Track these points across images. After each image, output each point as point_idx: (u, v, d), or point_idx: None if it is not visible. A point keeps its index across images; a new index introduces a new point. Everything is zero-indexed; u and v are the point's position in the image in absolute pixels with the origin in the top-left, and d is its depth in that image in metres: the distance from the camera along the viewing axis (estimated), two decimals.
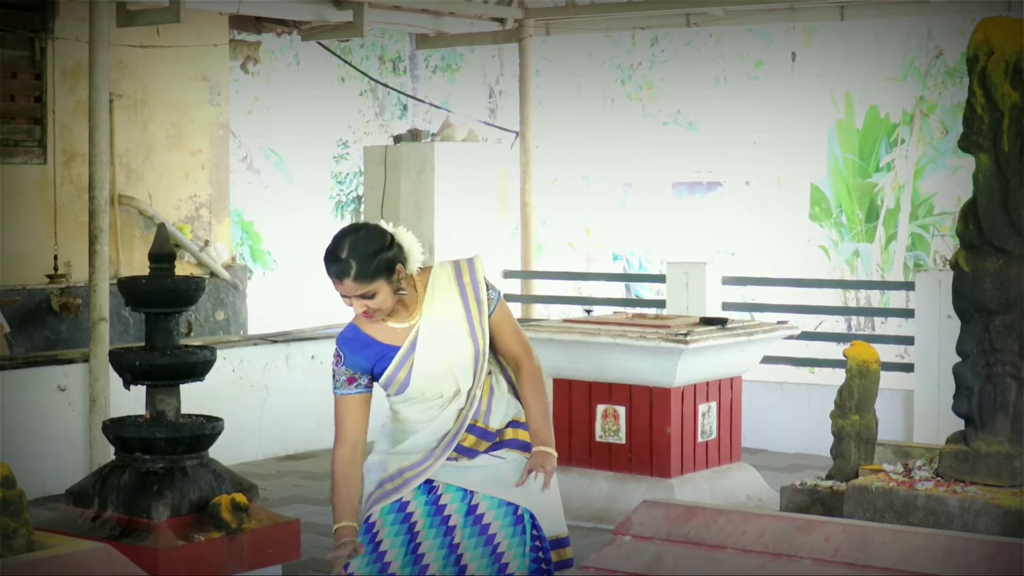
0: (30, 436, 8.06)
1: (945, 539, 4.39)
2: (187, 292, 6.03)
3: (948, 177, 17.25)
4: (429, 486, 4.23)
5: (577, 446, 7.69)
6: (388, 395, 4.27)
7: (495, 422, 4.28)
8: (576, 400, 7.69)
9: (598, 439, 7.63)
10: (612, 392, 7.57)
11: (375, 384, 4.26)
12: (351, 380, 4.21)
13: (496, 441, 4.27)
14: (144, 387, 6.02)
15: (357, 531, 4.12)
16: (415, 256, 4.18)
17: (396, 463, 4.24)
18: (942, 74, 17.27)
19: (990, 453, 5.18)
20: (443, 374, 4.20)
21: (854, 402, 5.75)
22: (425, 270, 4.26)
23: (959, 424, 5.35)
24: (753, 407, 9.02)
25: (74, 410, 8.29)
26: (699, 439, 7.58)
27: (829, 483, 5.66)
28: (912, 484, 5.21)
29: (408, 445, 4.25)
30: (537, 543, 4.23)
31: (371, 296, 4.09)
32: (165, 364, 5.93)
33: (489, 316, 4.26)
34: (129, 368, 5.96)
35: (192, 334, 11.06)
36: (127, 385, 6.04)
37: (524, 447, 4.28)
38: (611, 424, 7.58)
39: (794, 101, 20.79)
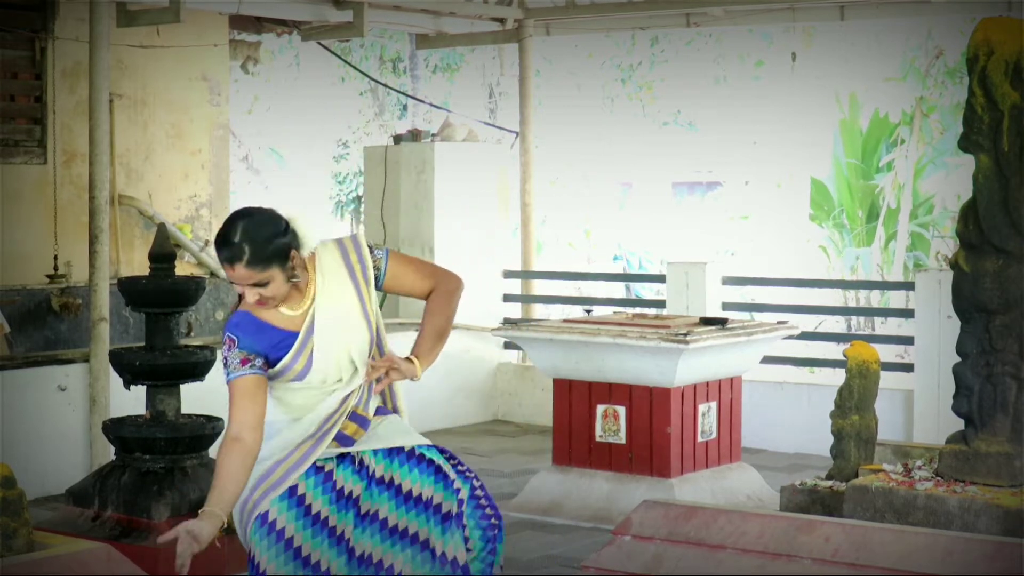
0: (30, 436, 8.06)
1: (945, 539, 4.39)
2: (187, 292, 6.03)
3: (948, 177, 17.25)
4: (315, 468, 4.07)
5: (577, 446, 7.69)
6: (281, 382, 4.08)
7: (372, 410, 4.17)
8: (576, 400, 7.69)
9: (598, 439, 7.63)
10: (612, 392, 7.57)
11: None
12: (245, 361, 4.00)
13: (360, 436, 4.14)
14: (144, 387, 6.02)
15: (218, 525, 3.87)
16: (308, 241, 4.03)
17: (272, 459, 4.06)
18: (942, 74, 17.26)
19: (990, 453, 5.18)
20: (342, 358, 4.07)
21: (854, 402, 5.75)
22: (311, 253, 4.09)
23: (959, 424, 5.35)
24: (753, 407, 9.03)
25: (74, 410, 8.29)
26: (699, 439, 7.58)
27: (829, 483, 5.66)
28: (912, 484, 5.21)
29: (284, 438, 4.08)
30: (452, 461, 4.14)
31: (264, 284, 3.95)
32: (165, 364, 5.93)
33: (382, 280, 4.14)
34: (129, 368, 5.96)
35: (192, 334, 11.05)
36: (127, 385, 6.05)
37: (384, 411, 4.20)
38: (611, 424, 7.58)
39: (794, 101, 20.78)
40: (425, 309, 4.22)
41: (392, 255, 4.18)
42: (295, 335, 4.04)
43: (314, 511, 4.03)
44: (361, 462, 4.12)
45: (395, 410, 4.27)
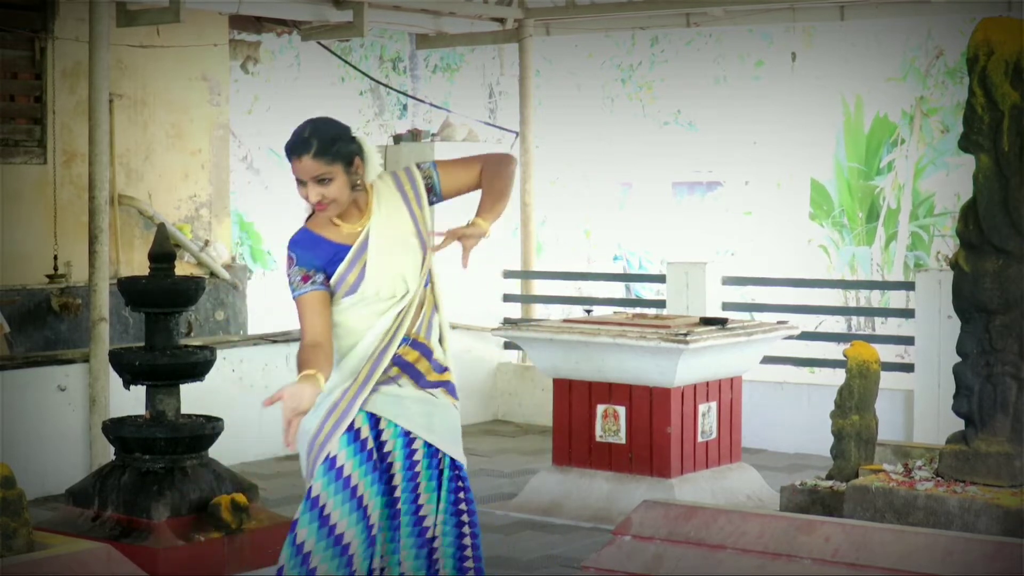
0: (30, 436, 8.06)
1: (945, 539, 4.39)
2: (187, 292, 6.03)
3: (948, 177, 17.25)
4: (375, 420, 4.24)
5: (577, 446, 7.69)
6: (335, 301, 4.23)
7: (435, 343, 4.31)
8: (576, 400, 7.69)
9: (598, 439, 7.63)
10: (612, 392, 7.57)
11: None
12: (306, 278, 4.19)
13: (433, 378, 4.30)
14: (144, 387, 6.02)
15: (319, 388, 4.01)
16: (374, 162, 4.24)
17: (340, 388, 4.22)
18: (942, 74, 17.26)
19: (990, 453, 5.18)
20: (395, 273, 4.23)
21: (854, 402, 5.74)
22: (370, 184, 4.31)
23: (959, 424, 5.35)
24: (753, 407, 9.03)
25: (74, 410, 8.28)
26: (699, 439, 7.58)
27: (829, 483, 5.66)
28: (912, 484, 5.21)
29: (346, 367, 4.23)
30: (461, 494, 4.30)
31: (327, 181, 4.13)
32: (165, 364, 5.93)
33: (439, 188, 4.33)
34: (129, 368, 5.96)
35: (192, 334, 11.05)
36: (127, 385, 6.05)
37: (452, 391, 4.36)
38: (611, 424, 7.58)
39: (794, 101, 20.78)
40: (483, 178, 4.38)
41: (439, 163, 4.38)
42: (349, 248, 4.21)
43: (367, 448, 4.21)
44: (414, 452, 4.26)
45: (439, 342, 4.37)
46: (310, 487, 4.18)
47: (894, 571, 4.29)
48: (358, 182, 4.18)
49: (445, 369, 4.34)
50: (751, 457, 8.53)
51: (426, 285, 4.30)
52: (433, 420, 4.28)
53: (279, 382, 9.31)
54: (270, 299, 18.62)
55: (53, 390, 8.24)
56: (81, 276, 9.97)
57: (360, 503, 4.16)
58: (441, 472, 4.27)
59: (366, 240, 4.22)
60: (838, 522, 4.70)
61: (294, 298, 4.21)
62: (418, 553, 4.23)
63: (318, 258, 4.20)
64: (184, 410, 6.13)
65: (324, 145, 4.11)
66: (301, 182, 4.16)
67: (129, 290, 6.09)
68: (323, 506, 4.13)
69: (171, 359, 5.95)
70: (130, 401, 7.44)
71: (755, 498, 7.67)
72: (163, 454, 5.91)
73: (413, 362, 4.26)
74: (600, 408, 7.61)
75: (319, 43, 12.20)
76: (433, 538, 4.23)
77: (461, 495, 4.28)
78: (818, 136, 19.00)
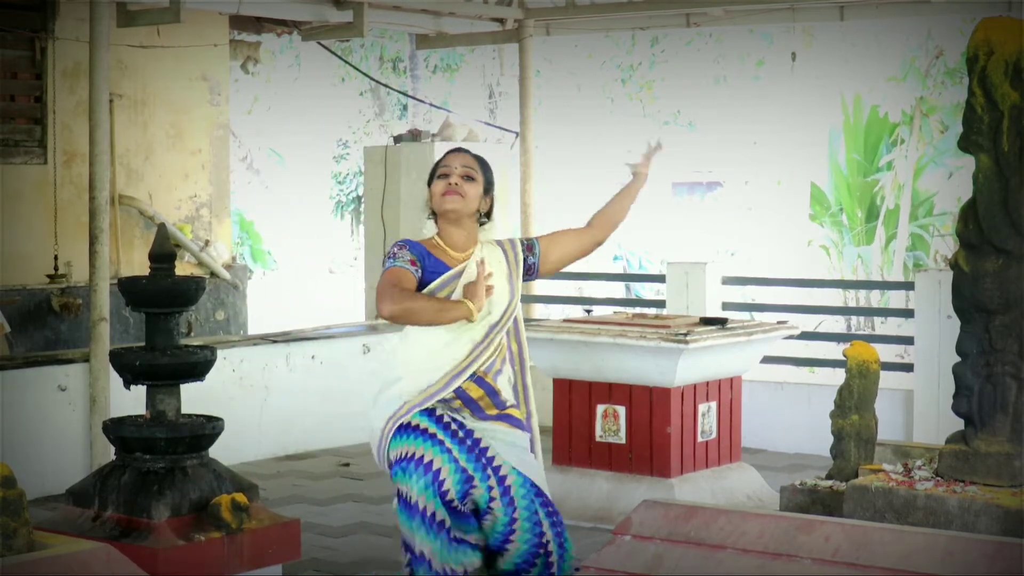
0: (30, 436, 8.06)
1: (945, 539, 4.38)
2: (187, 292, 6.02)
3: (948, 177, 17.26)
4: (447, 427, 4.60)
5: (577, 446, 7.69)
6: None
7: (503, 385, 4.71)
8: (576, 400, 7.69)
9: (598, 439, 7.63)
10: (612, 392, 7.57)
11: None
12: (412, 262, 4.63)
13: (494, 413, 4.67)
14: (144, 387, 6.02)
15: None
16: (495, 226, 4.85)
17: (401, 399, 4.60)
18: (942, 74, 17.26)
19: (990, 453, 5.18)
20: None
21: (854, 402, 5.74)
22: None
23: (959, 424, 5.35)
24: (753, 407, 9.02)
25: (74, 410, 8.29)
26: (699, 439, 7.58)
27: (829, 483, 5.66)
28: (912, 484, 5.21)
29: (414, 381, 4.61)
30: (541, 508, 4.64)
31: (470, 180, 4.71)
32: (165, 364, 5.92)
33: (539, 249, 4.88)
34: (129, 368, 5.96)
35: (192, 334, 11.06)
36: (127, 385, 6.04)
37: (520, 425, 4.77)
38: (611, 424, 7.58)
39: (794, 101, 20.79)
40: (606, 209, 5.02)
41: (543, 237, 4.96)
42: (449, 268, 4.72)
43: (438, 413, 4.60)
44: (491, 463, 4.60)
45: (526, 399, 4.91)
46: (390, 463, 4.55)
47: (894, 571, 4.29)
48: (482, 212, 4.77)
49: (512, 406, 4.75)
50: (751, 457, 8.53)
51: (506, 335, 4.71)
52: (495, 432, 4.66)
53: (279, 382, 9.33)
54: (270, 299, 18.63)
55: (53, 390, 8.24)
56: (81, 276, 9.98)
57: (435, 439, 4.49)
58: (538, 492, 4.65)
59: (463, 269, 4.70)
60: (838, 522, 4.70)
61: (392, 267, 4.59)
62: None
63: (424, 259, 4.67)
64: (184, 410, 6.12)
65: (480, 160, 4.79)
66: (444, 176, 4.69)
67: (129, 290, 6.08)
68: (404, 453, 4.49)
69: (171, 359, 5.95)
70: (130, 401, 7.43)
71: (755, 498, 7.67)
72: (163, 454, 5.91)
73: (476, 399, 4.62)
74: (600, 408, 7.61)
75: (319, 43, 12.21)
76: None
77: (538, 508, 4.62)
78: (818, 136, 19.00)
